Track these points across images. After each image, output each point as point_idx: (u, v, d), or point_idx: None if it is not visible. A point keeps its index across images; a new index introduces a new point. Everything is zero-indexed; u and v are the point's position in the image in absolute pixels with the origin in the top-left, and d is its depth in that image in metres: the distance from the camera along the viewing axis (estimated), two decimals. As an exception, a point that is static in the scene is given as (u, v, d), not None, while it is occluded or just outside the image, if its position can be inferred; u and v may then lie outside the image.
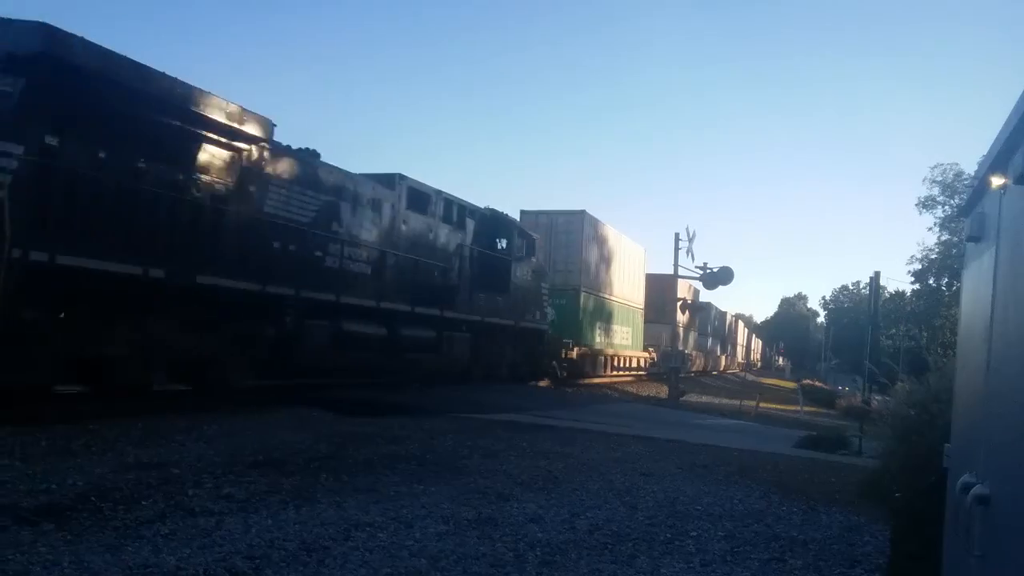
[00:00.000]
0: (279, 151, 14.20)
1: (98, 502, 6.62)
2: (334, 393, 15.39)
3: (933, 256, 55.72)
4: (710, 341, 60.16)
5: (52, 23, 9.95)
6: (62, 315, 10.46)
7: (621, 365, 36.94)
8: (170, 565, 5.19)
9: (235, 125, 12.55)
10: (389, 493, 7.89)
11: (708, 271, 33.21)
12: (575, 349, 29.91)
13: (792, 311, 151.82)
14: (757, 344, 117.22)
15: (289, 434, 11.03)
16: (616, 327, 35.24)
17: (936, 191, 54.31)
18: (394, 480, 8.55)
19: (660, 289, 39.74)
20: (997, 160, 2.70)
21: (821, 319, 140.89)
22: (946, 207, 53.62)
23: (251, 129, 12.95)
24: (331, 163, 16.04)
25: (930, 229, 56.99)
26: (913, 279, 57.79)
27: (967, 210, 3.67)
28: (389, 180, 17.86)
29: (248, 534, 6.06)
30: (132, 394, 11.83)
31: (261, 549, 5.70)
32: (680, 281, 35.34)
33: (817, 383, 62.99)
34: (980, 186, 3.18)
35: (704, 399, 33.10)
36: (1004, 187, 2.59)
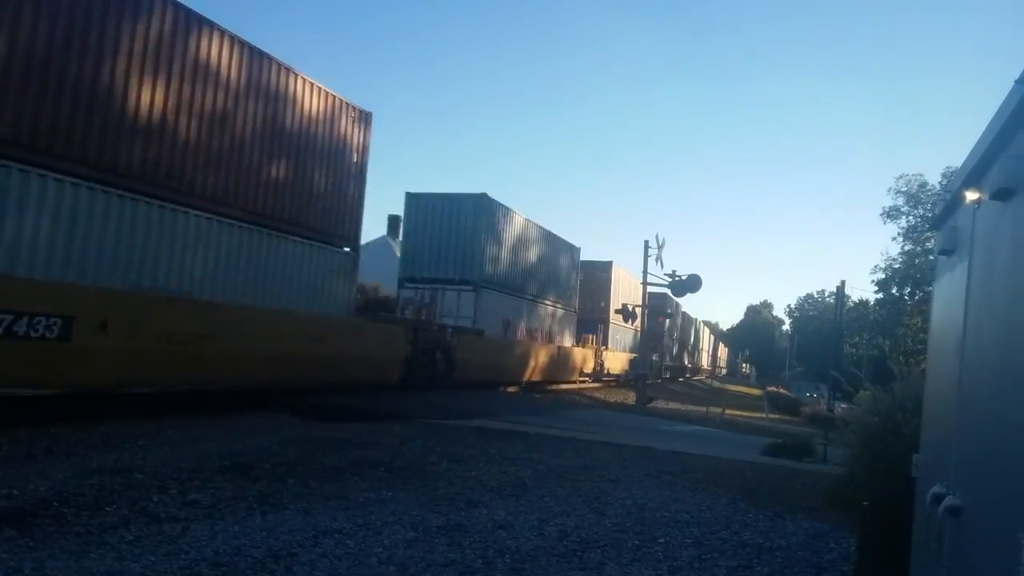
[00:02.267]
0: None
1: (61, 507, 6.50)
2: (303, 398, 15.26)
3: (896, 266, 56.54)
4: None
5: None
6: None
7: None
8: (134, 572, 5.10)
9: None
10: (358, 499, 7.83)
11: (677, 278, 33.39)
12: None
13: (758, 319, 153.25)
14: (723, 351, 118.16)
15: (256, 439, 10.92)
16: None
17: (901, 201, 55.22)
18: (363, 486, 8.49)
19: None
20: (972, 175, 2.74)
21: (786, 327, 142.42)
22: (910, 217, 54.54)
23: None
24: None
25: (894, 239, 57.88)
26: (877, 288, 58.64)
27: (938, 223, 3.72)
28: None
29: (214, 541, 5.97)
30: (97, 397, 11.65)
31: (227, 556, 5.63)
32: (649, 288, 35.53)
33: (782, 390, 63.62)
34: (953, 200, 3.23)
35: (671, 405, 33.28)
36: (979, 202, 2.62)
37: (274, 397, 14.54)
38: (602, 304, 39.75)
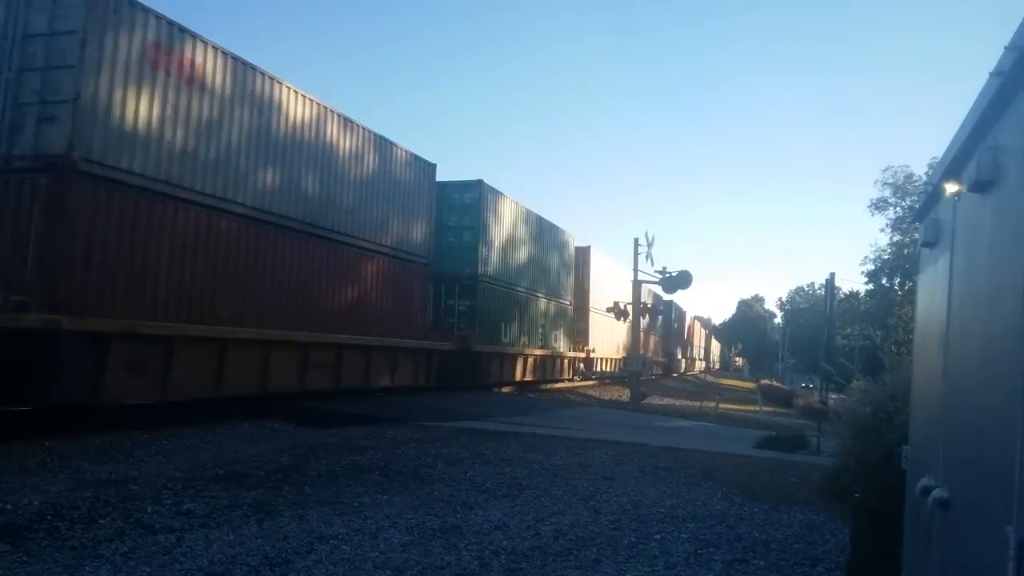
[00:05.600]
0: None
1: (55, 521, 6.48)
2: (296, 403, 15.23)
3: (886, 256, 56.69)
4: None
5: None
6: None
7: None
8: (130, 584, 5.09)
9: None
10: (353, 504, 7.82)
11: (667, 275, 33.41)
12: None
13: (750, 313, 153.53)
14: (716, 346, 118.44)
15: (250, 447, 10.91)
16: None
17: (888, 193, 55.33)
18: (357, 491, 8.48)
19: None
20: (951, 168, 2.76)
21: (778, 320, 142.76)
22: (897, 208, 54.65)
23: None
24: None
25: (882, 230, 58.03)
26: (867, 279, 58.73)
27: (921, 215, 3.74)
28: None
29: (209, 550, 5.96)
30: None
31: (223, 565, 5.62)
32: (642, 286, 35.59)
33: (775, 383, 63.84)
34: (934, 192, 3.25)
35: (665, 401, 33.35)
36: (958, 194, 2.64)
37: (267, 404, 14.50)
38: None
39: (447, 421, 15.21)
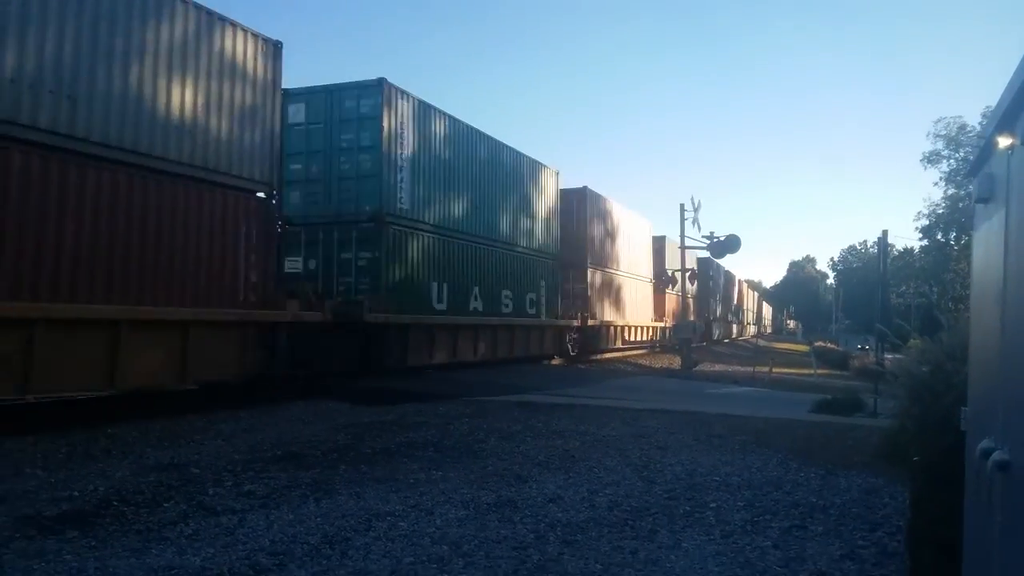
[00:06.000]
0: None
1: (120, 506, 6.67)
2: (349, 383, 15.44)
3: (940, 211, 55.39)
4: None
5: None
6: None
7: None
8: (195, 566, 5.22)
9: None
10: (408, 481, 7.92)
11: (715, 240, 33.08)
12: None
13: (801, 274, 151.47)
14: (768, 309, 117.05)
15: (306, 427, 11.10)
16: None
17: (940, 145, 53.97)
18: (412, 467, 8.58)
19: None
20: (1004, 120, 2.66)
21: (831, 280, 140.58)
22: (951, 161, 53.29)
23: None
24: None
25: (936, 184, 56.50)
26: (921, 235, 57.47)
27: (975, 170, 3.63)
28: None
29: (271, 530, 6.09)
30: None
31: (284, 544, 5.73)
32: (688, 251, 35.29)
33: (829, 345, 62.88)
34: (987, 146, 3.14)
35: (717, 368, 33.09)
36: (1012, 148, 2.55)
37: (320, 383, 14.72)
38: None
39: (498, 395, 15.29)
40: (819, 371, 32.92)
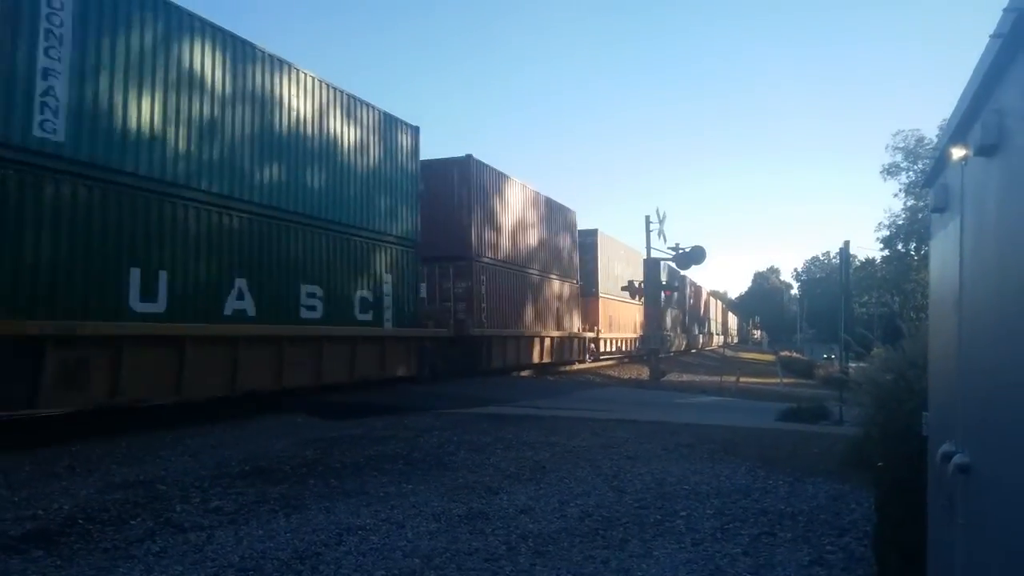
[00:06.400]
0: None
1: (86, 524, 6.58)
2: (316, 396, 15.34)
3: (900, 222, 56.37)
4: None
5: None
6: None
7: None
8: (163, 583, 5.17)
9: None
10: (378, 494, 7.89)
11: (680, 251, 33.35)
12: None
13: (766, 285, 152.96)
14: (733, 319, 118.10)
15: (275, 442, 11.01)
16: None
17: (899, 157, 54.98)
18: (382, 481, 8.55)
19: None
20: (957, 131, 2.75)
21: (795, 291, 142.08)
22: (910, 172, 54.26)
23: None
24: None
25: (895, 195, 57.62)
26: (882, 246, 58.41)
27: (930, 180, 3.73)
28: None
29: (240, 546, 6.04)
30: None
31: (253, 561, 5.69)
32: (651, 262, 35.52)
33: (794, 354, 63.63)
34: (941, 157, 3.23)
35: (685, 378, 33.33)
36: (965, 159, 2.63)
37: (288, 398, 14.62)
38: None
39: (467, 407, 15.28)
40: (785, 380, 33.27)
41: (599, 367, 34.82)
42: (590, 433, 12.26)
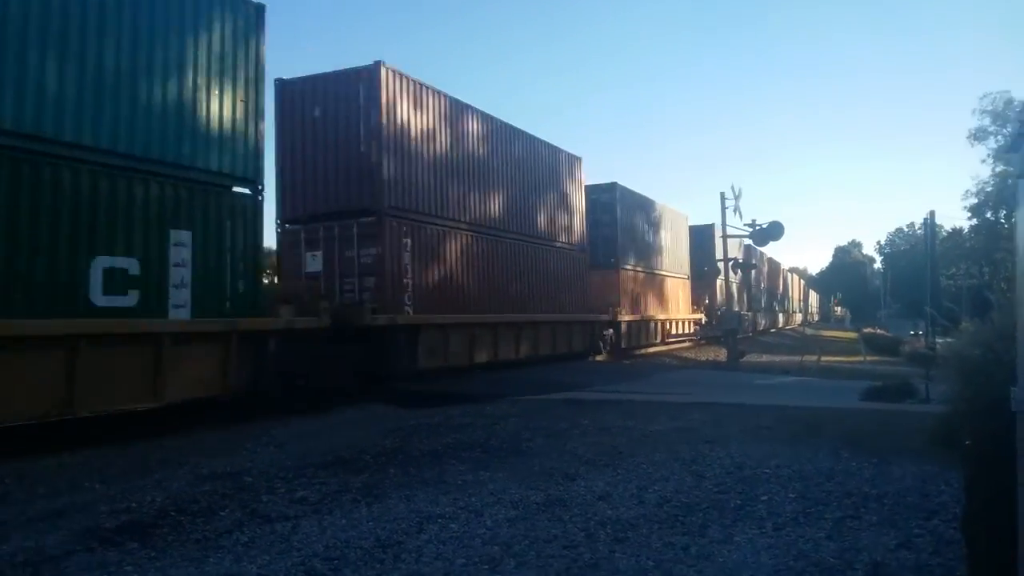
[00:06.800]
0: None
1: (177, 516, 6.82)
2: (395, 386, 15.59)
3: (988, 189, 54.32)
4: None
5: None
6: None
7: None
8: (252, 573, 5.33)
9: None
10: (457, 482, 7.98)
11: (757, 227, 32.72)
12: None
13: (847, 259, 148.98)
14: (814, 296, 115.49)
15: (355, 431, 11.24)
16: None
17: (987, 121, 52.93)
18: (460, 469, 8.64)
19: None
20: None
21: (878, 265, 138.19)
22: (998, 137, 52.17)
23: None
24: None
25: (983, 161, 55.33)
26: (970, 214, 56.42)
27: (1018, 144, 3.57)
28: None
29: (324, 535, 6.18)
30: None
31: (338, 549, 5.82)
32: (730, 240, 34.92)
33: (878, 331, 61.85)
34: (1025, 125, 3.09)
35: (764, 358, 32.76)
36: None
37: (366, 388, 14.90)
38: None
39: (543, 393, 15.32)
40: (868, 358, 32.43)
41: (673, 350, 34.45)
42: (667, 417, 12.16)
